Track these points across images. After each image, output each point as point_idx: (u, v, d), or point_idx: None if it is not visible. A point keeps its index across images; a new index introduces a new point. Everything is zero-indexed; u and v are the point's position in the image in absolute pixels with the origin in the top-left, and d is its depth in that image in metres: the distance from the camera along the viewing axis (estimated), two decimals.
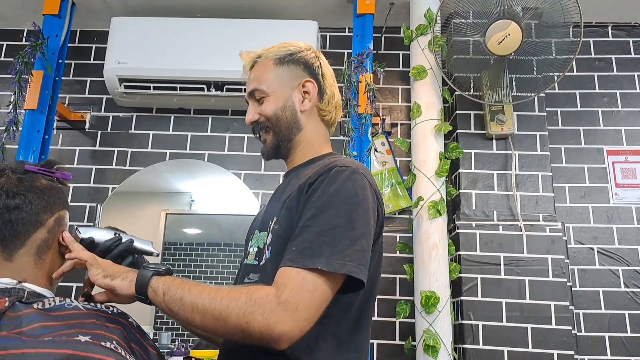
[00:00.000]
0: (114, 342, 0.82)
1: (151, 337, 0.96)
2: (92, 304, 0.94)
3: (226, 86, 2.23)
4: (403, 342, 2.08)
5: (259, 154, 2.44)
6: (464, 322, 1.95)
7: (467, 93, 2.09)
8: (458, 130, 2.17)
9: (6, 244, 0.91)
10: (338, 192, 0.94)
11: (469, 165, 2.13)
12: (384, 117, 2.34)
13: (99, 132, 2.44)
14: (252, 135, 2.35)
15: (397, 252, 2.21)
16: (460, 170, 2.12)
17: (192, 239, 2.52)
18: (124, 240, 1.04)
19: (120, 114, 2.45)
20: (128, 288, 0.92)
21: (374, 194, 0.99)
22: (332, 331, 0.94)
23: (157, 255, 1.08)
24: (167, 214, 2.45)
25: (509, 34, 1.91)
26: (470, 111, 2.18)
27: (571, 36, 2.10)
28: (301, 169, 1.09)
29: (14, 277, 0.90)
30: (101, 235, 1.01)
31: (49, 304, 0.88)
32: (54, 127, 2.32)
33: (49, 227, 0.95)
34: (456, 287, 2.03)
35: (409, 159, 2.23)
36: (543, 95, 2.18)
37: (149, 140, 2.42)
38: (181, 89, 2.24)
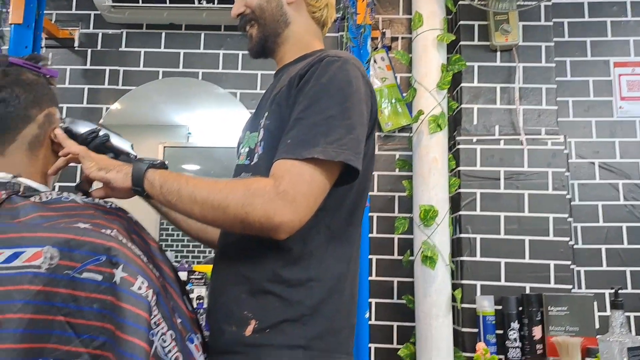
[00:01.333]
0: (114, 230, 0.82)
1: (145, 229, 0.96)
2: (90, 198, 0.92)
3: None
4: (401, 257, 2.11)
5: (256, 72, 2.36)
6: (462, 235, 1.96)
7: (473, 2, 2.00)
8: (461, 42, 2.10)
9: None
10: (331, 82, 0.92)
11: (472, 78, 2.07)
12: (384, 30, 2.26)
13: (89, 50, 2.35)
14: (247, 52, 2.30)
15: (397, 169, 2.20)
16: (462, 85, 2.07)
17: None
18: (100, 134, 1.00)
19: (110, 31, 2.36)
20: (124, 181, 0.91)
21: (367, 85, 0.97)
22: (325, 224, 0.95)
23: (135, 157, 1.04)
24: (164, 147, 2.41)
25: None
26: (474, 22, 2.10)
27: None
28: (291, 66, 1.06)
29: (8, 172, 0.88)
30: (79, 127, 0.97)
31: (46, 197, 0.86)
32: (43, 45, 2.23)
33: (39, 122, 0.92)
34: (455, 202, 2.03)
35: (410, 74, 2.17)
36: (550, 4, 2.09)
37: (141, 59, 2.34)
38: (171, 1, 2.14)
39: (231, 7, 2.10)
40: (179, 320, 0.84)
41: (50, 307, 0.71)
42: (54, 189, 0.93)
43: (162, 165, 0.93)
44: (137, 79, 2.33)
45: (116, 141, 1.01)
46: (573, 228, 2.08)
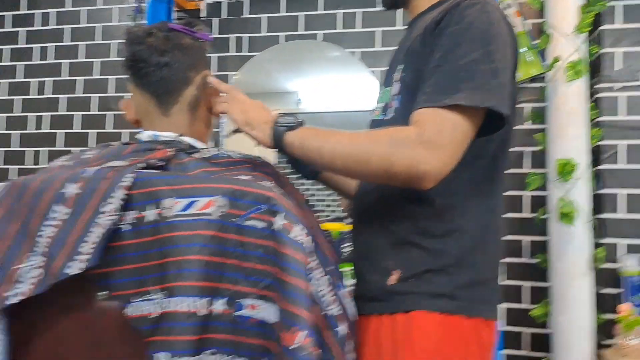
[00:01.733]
0: (270, 182, 0.87)
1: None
2: (242, 153, 0.98)
3: None
4: (532, 215, 2.02)
5: (375, 29, 2.32)
6: (604, 191, 1.83)
7: None
8: None
9: (162, 100, 0.96)
10: (471, 25, 0.87)
11: (613, 19, 1.88)
12: None
13: (214, 19, 2.47)
14: (367, 9, 2.29)
15: (528, 122, 2.08)
16: (603, 27, 1.89)
17: None
18: None
19: None
20: (265, 141, 0.94)
21: (509, 27, 0.92)
22: (466, 176, 0.92)
23: None
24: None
25: None
26: None
27: None
28: (425, 15, 1.01)
29: (174, 131, 0.96)
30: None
31: (208, 154, 0.93)
32: (174, 17, 2.38)
33: (197, 84, 0.99)
34: (596, 154, 1.88)
35: (541, 20, 2.02)
36: None
37: (263, 24, 2.42)
38: None
39: None
40: (329, 268, 0.88)
41: (222, 251, 0.77)
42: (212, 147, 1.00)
43: (300, 124, 0.94)
44: (260, 45, 2.40)
45: None
46: None
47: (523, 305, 2.02)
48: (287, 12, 2.39)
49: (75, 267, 0.75)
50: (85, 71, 2.56)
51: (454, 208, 0.93)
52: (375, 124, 1.04)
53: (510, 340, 2.01)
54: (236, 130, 0.99)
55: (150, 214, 0.78)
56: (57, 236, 0.77)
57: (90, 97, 2.54)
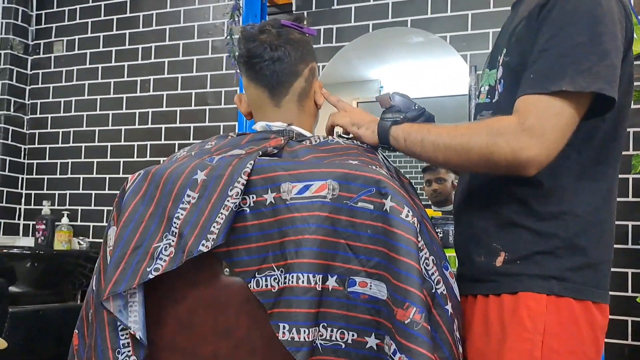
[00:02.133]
0: (377, 166, 0.91)
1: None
2: (348, 139, 1.03)
3: None
4: (637, 199, 1.92)
5: (465, 12, 2.28)
6: None
7: None
8: None
9: (274, 92, 1.03)
10: (577, 7, 0.86)
11: None
12: None
13: (305, 12, 2.53)
14: None
15: (632, 103, 1.97)
16: None
17: None
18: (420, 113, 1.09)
19: None
20: (372, 138, 1.00)
21: (618, 3, 0.89)
22: (574, 159, 0.91)
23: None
24: (358, 102, 2.50)
25: None
26: None
27: None
28: None
29: (283, 121, 1.03)
30: (405, 105, 1.08)
31: (315, 141, 0.99)
32: (267, 13, 2.47)
33: (305, 76, 1.05)
34: None
35: None
36: None
37: (352, 14, 2.45)
38: None
39: None
40: (434, 248, 0.91)
41: (335, 231, 0.83)
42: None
43: (404, 119, 1.00)
44: (350, 35, 2.44)
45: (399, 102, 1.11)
46: None
47: (628, 293, 1.94)
48: (375, 0, 2.41)
49: (205, 246, 0.83)
50: (184, 69, 2.73)
51: (563, 190, 0.92)
52: (481, 107, 1.05)
53: (614, 329, 1.93)
54: (342, 135, 1.06)
55: (269, 197, 0.85)
56: (188, 218, 0.86)
57: (190, 92, 2.71)
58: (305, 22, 1.07)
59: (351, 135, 1.05)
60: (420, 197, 2.31)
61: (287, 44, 1.02)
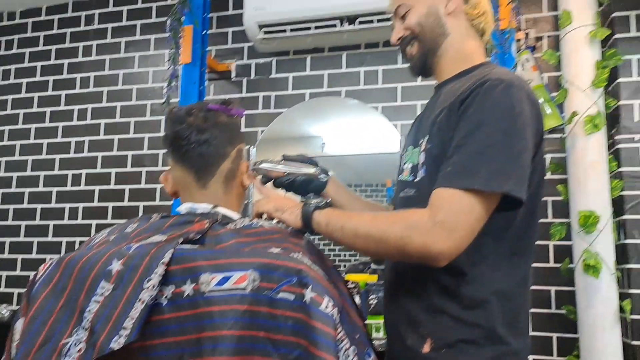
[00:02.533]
0: (300, 253, 0.92)
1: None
2: (273, 222, 1.05)
3: (359, 19, 2.23)
4: (558, 265, 2.02)
5: (395, 85, 2.42)
6: (628, 241, 1.84)
7: None
8: (616, 35, 1.96)
9: (200, 174, 1.04)
10: (493, 108, 0.91)
11: (630, 72, 1.93)
12: (528, 30, 2.19)
13: (244, 79, 2.59)
14: (388, 66, 2.38)
15: (549, 173, 2.11)
16: (619, 80, 1.94)
17: None
18: (284, 179, 1.16)
19: (261, 60, 2.58)
20: (295, 222, 1.02)
21: (532, 105, 0.94)
22: (492, 247, 0.95)
23: (317, 172, 1.18)
24: None
25: None
26: (630, 11, 1.96)
27: None
28: (452, 82, 1.06)
29: (209, 203, 1.04)
30: (274, 174, 1.13)
31: (241, 224, 1.00)
32: (206, 79, 2.51)
33: (232, 158, 1.06)
34: (618, 205, 1.90)
35: (558, 73, 2.08)
36: None
37: (289, 83, 2.53)
38: (315, 27, 2.29)
39: (371, 27, 2.21)
40: (357, 336, 0.92)
41: (254, 324, 0.82)
42: (243, 216, 1.07)
43: (327, 205, 1.02)
44: (287, 102, 2.52)
45: (300, 177, 1.16)
46: None
47: (552, 358, 2.01)
48: (311, 71, 2.51)
49: (117, 342, 0.79)
50: (121, 130, 2.71)
51: (483, 278, 0.95)
52: (404, 185, 1.08)
53: None
54: (260, 215, 1.08)
55: (188, 289, 0.84)
56: (101, 311, 0.84)
57: (126, 154, 2.68)
58: (233, 104, 1.09)
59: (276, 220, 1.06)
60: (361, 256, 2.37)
61: (215, 127, 1.03)
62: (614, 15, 1.98)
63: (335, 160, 2.58)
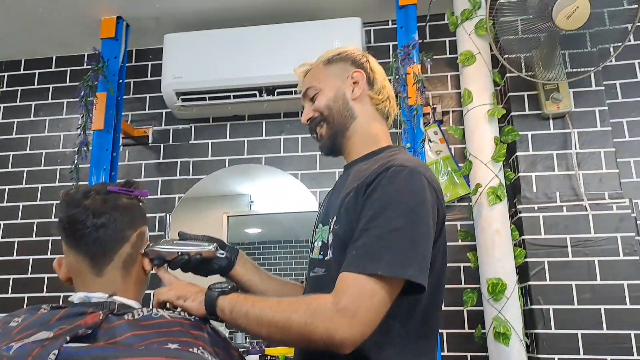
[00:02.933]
0: (200, 347, 0.89)
1: (227, 337, 1.03)
2: (175, 312, 1.01)
3: (277, 90, 2.29)
4: (472, 331, 2.08)
5: (314, 153, 2.47)
6: (534, 307, 1.92)
7: (521, 73, 2.04)
8: (512, 113, 2.13)
9: (96, 260, 0.99)
10: (396, 194, 0.94)
11: (527, 147, 2.09)
12: (435, 105, 2.33)
13: (162, 145, 2.56)
14: (306, 135, 2.43)
15: (459, 240, 2.20)
16: (517, 153, 2.08)
17: (253, 238, 2.61)
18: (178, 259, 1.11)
19: (180, 126, 2.56)
20: (198, 309, 0.98)
21: (433, 191, 0.98)
22: (398, 331, 0.96)
23: (214, 248, 1.15)
24: (228, 216, 2.53)
25: (577, 7, 1.81)
26: (524, 92, 2.13)
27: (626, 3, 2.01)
28: (360, 163, 1.10)
29: (104, 291, 0.98)
30: (166, 255, 1.09)
31: (138, 315, 0.95)
32: (120, 144, 2.45)
33: (132, 242, 1.02)
34: (523, 272, 2.00)
35: (464, 145, 2.21)
36: (599, 68, 2.11)
37: (209, 149, 2.52)
38: (235, 96, 2.32)
39: (289, 97, 2.27)
40: None
41: None
42: (143, 306, 1.02)
43: (232, 289, 0.99)
44: (206, 168, 2.50)
45: (189, 247, 1.12)
46: None
47: None
48: (231, 138, 2.52)
49: None
50: (27, 197, 2.56)
51: None
52: (315, 263, 1.08)
53: None
54: (163, 304, 1.03)
55: None
56: None
57: (32, 222, 2.52)
58: (135, 186, 1.06)
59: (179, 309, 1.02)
60: None
61: (114, 210, 0.99)
62: (509, 94, 2.15)
63: (264, 218, 2.57)
